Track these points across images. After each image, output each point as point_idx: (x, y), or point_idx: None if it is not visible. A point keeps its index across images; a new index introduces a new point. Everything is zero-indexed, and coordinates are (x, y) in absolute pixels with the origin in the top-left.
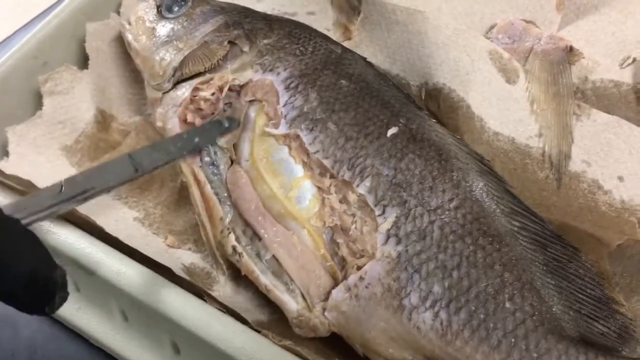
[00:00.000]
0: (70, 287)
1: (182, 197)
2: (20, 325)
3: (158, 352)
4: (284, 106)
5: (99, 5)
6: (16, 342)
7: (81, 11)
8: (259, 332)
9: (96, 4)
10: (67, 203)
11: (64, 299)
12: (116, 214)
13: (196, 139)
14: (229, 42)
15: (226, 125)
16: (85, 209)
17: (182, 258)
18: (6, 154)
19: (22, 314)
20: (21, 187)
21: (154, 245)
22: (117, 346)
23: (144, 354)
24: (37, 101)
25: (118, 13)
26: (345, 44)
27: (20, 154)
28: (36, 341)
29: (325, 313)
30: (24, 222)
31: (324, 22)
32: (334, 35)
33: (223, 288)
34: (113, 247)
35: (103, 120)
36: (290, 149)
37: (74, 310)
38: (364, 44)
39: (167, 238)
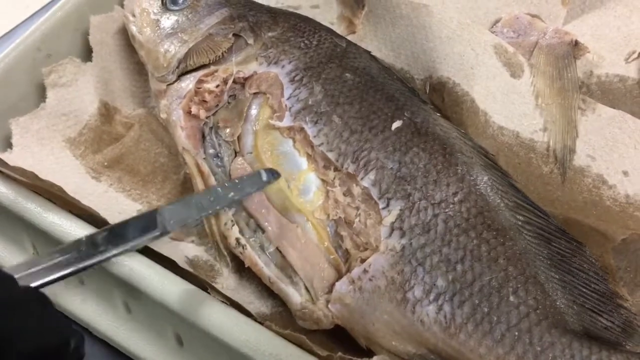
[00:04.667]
0: (74, 280)
1: (185, 189)
2: None
3: (161, 344)
4: (288, 99)
5: None
6: None
7: (85, 4)
8: (262, 324)
9: None
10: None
11: None
12: (119, 207)
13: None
14: (234, 34)
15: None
16: (88, 201)
17: (185, 251)
18: (10, 145)
19: None
20: (25, 178)
21: None
22: (120, 338)
23: (147, 346)
24: (41, 93)
25: (122, 6)
26: (349, 37)
27: (23, 146)
28: None
29: (329, 305)
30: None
31: (328, 15)
32: (338, 28)
33: (226, 280)
34: None
35: (107, 112)
36: (294, 141)
37: (77, 303)
38: (368, 38)
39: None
